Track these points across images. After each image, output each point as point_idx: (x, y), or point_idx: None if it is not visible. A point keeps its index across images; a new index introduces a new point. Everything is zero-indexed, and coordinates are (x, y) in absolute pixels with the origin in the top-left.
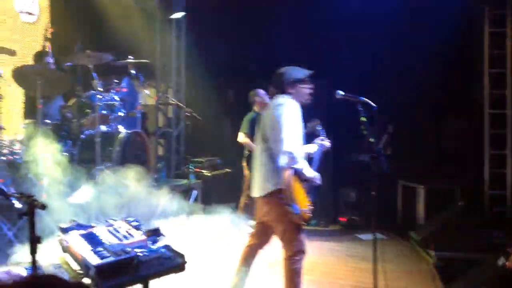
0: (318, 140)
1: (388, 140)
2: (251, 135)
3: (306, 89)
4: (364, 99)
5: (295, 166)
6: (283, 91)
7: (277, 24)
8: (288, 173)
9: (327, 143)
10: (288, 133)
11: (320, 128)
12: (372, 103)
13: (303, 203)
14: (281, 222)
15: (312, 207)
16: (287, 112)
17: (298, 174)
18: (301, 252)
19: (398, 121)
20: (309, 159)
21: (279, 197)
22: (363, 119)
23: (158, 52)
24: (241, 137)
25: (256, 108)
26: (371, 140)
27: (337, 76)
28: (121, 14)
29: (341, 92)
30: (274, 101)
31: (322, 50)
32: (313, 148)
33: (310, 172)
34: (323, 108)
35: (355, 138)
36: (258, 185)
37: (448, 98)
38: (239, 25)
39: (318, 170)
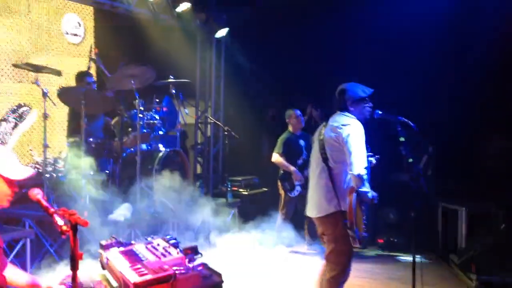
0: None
1: (428, 161)
2: (285, 155)
3: (368, 108)
4: (403, 119)
5: (361, 189)
6: (345, 109)
7: (316, 43)
8: (353, 196)
9: (373, 159)
10: (357, 155)
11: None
12: (411, 123)
13: (360, 226)
14: (335, 243)
15: (366, 229)
16: (354, 133)
17: (360, 196)
18: (344, 274)
19: (440, 141)
20: None
21: (340, 219)
22: (402, 139)
23: (198, 71)
24: (275, 157)
25: (290, 128)
26: (410, 160)
27: (376, 95)
28: (163, 35)
29: (380, 112)
30: (337, 119)
31: (361, 69)
32: None
33: (371, 195)
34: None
35: (394, 158)
36: (316, 205)
37: (492, 117)
38: (278, 44)
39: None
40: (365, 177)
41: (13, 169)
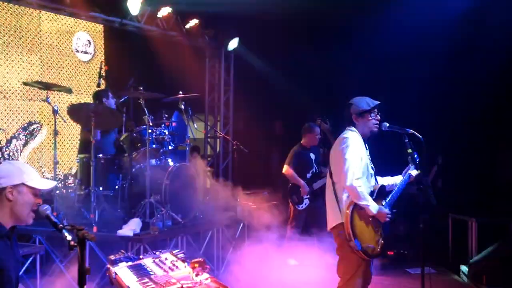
0: (408, 170)
1: (437, 172)
2: (295, 167)
3: (373, 120)
4: (411, 130)
5: (359, 202)
6: (351, 123)
7: (326, 56)
8: (347, 208)
9: (414, 172)
10: (350, 168)
11: (414, 157)
12: (418, 135)
13: (368, 239)
14: (340, 254)
15: (382, 242)
16: (349, 147)
17: (363, 209)
18: (349, 287)
19: (450, 152)
20: (388, 191)
21: (340, 231)
22: (410, 151)
23: (207, 86)
24: (285, 169)
25: (303, 141)
26: (418, 171)
27: (385, 106)
28: (172, 51)
29: (387, 124)
30: (341, 135)
31: (370, 81)
32: (396, 179)
33: (374, 210)
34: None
35: (402, 170)
36: (327, 218)
37: (503, 129)
38: (286, 58)
39: (394, 203)
40: (359, 189)
41: (39, 181)
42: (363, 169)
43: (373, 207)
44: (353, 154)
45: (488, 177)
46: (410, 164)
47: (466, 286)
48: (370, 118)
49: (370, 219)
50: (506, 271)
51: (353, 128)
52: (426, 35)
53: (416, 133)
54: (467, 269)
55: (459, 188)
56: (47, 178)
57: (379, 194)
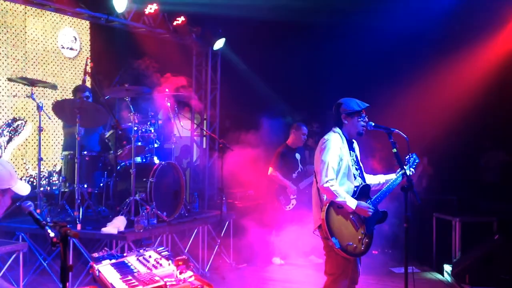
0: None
1: (422, 172)
2: (280, 168)
3: (361, 122)
4: (396, 130)
5: (335, 200)
6: (338, 123)
7: (311, 56)
8: (324, 206)
9: (409, 171)
10: (324, 169)
11: (410, 157)
12: (403, 134)
13: (349, 236)
14: (326, 253)
15: (367, 240)
16: (326, 148)
17: (342, 207)
18: (334, 285)
19: (435, 152)
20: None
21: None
22: (395, 150)
23: (194, 84)
24: (270, 171)
25: (289, 141)
26: (403, 171)
27: (370, 106)
28: (159, 48)
29: (373, 123)
30: (323, 137)
31: (354, 81)
32: (390, 177)
33: (353, 205)
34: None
35: (387, 168)
36: (313, 217)
37: (487, 129)
38: (273, 57)
39: (380, 202)
40: (332, 188)
41: (22, 186)
42: (343, 170)
43: (350, 202)
44: (330, 156)
45: (472, 177)
46: (405, 165)
47: (449, 285)
48: (359, 119)
49: (351, 216)
50: (489, 270)
51: (337, 130)
52: (410, 34)
53: (401, 133)
54: (450, 268)
55: (443, 187)
56: (27, 177)
57: (361, 193)
